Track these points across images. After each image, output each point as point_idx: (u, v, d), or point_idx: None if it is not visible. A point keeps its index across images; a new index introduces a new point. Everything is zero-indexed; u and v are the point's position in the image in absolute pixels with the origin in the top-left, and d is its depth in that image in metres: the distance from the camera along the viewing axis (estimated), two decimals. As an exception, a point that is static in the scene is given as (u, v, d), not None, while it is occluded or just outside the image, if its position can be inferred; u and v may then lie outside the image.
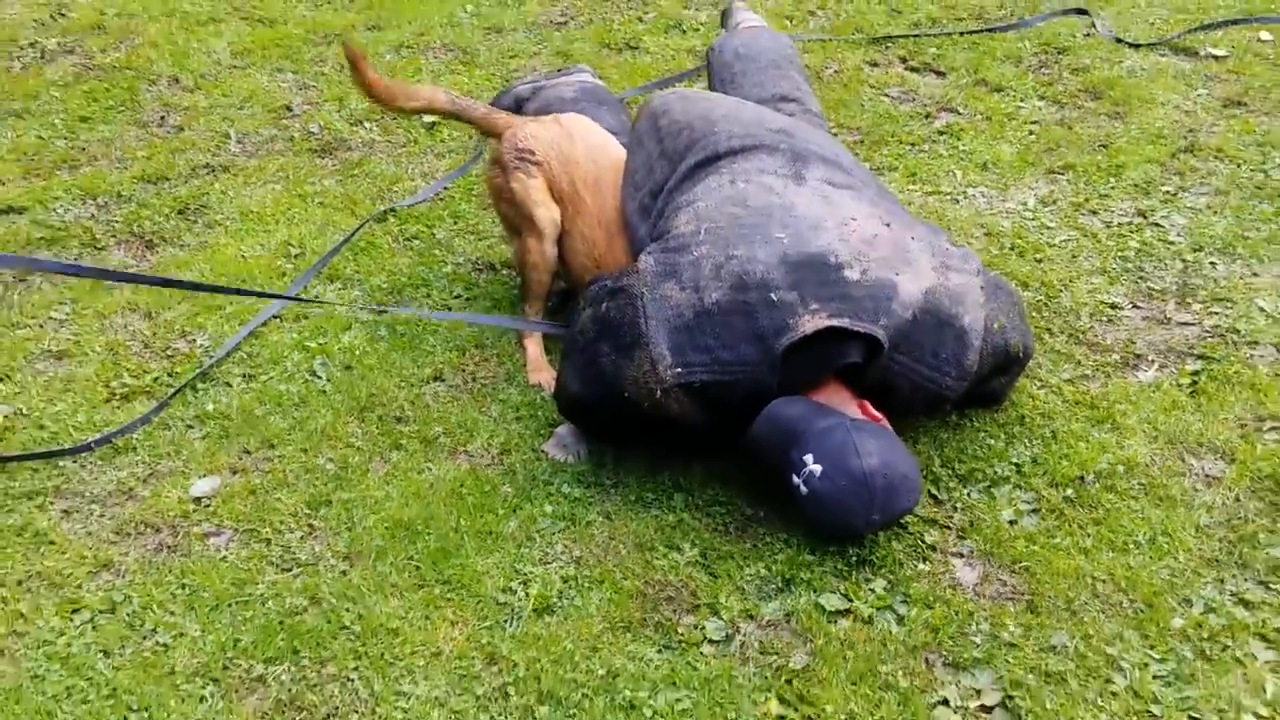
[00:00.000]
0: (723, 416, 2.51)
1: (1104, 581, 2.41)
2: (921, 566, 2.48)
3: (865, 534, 2.48)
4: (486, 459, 2.81)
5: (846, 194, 2.67)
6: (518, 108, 3.85)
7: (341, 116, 4.28)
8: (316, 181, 3.91)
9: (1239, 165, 3.67)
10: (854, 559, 2.50)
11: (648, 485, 2.71)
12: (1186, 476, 2.64)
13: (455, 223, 3.67)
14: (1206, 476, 2.64)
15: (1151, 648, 2.28)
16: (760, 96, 3.41)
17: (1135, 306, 3.16)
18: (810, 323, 2.41)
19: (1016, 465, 2.69)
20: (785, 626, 2.38)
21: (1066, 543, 2.50)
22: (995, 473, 2.68)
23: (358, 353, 3.13)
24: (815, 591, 2.43)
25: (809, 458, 2.35)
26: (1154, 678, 2.23)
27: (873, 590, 2.43)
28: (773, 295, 2.45)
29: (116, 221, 3.71)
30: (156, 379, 3.07)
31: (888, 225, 2.58)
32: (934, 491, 2.65)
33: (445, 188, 3.82)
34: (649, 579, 2.48)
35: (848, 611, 2.39)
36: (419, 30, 4.89)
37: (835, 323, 2.40)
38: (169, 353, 3.16)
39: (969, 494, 2.64)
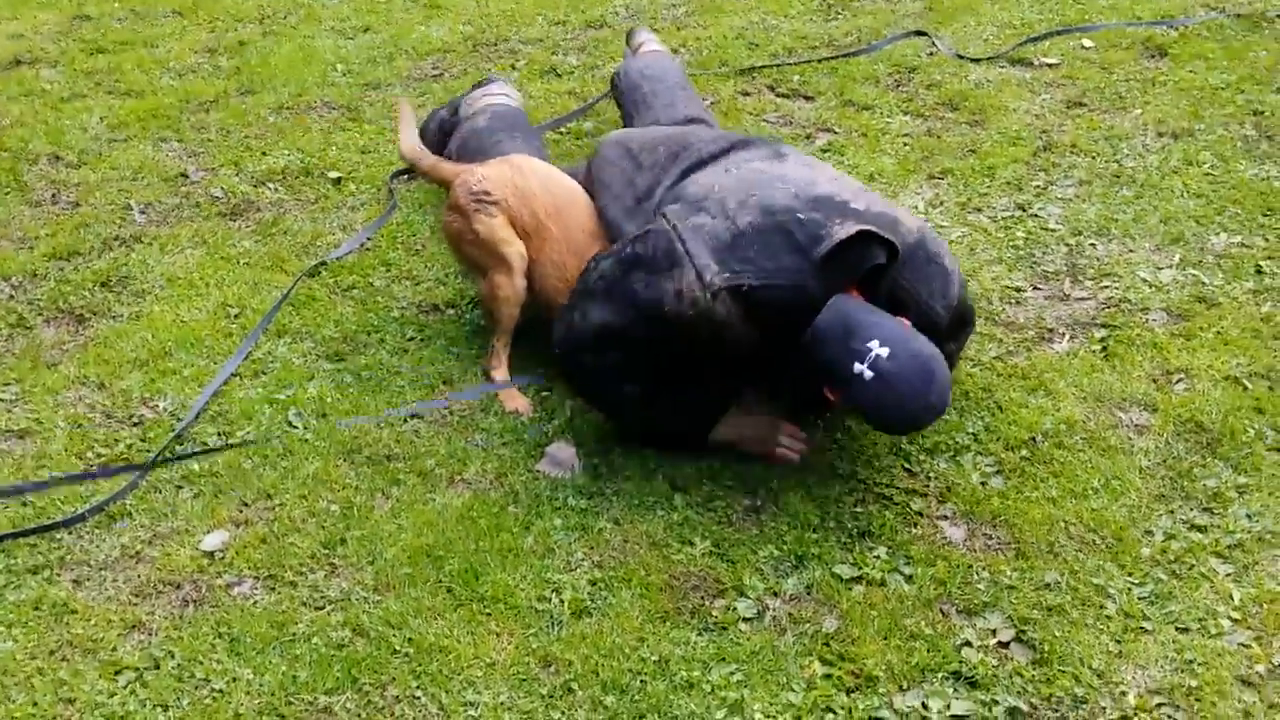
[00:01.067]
0: (763, 330, 2.70)
1: (1075, 524, 2.71)
2: (914, 531, 2.73)
3: (923, 420, 2.62)
4: (485, 484, 2.92)
5: (824, 165, 3.07)
6: (442, 130, 4.01)
7: (242, 179, 4.31)
8: (236, 243, 3.93)
9: (1094, 158, 4.10)
10: (854, 531, 2.73)
11: (646, 490, 2.88)
12: (1119, 428, 2.98)
13: (388, 270, 3.77)
14: (1136, 426, 2.99)
15: (1130, 575, 2.59)
16: (673, 118, 3.67)
17: (1035, 288, 3.52)
18: (843, 229, 2.64)
19: (973, 434, 2.98)
20: (809, 598, 2.59)
21: (1034, 495, 2.80)
22: (957, 443, 2.96)
23: (329, 400, 3.20)
24: (827, 564, 2.65)
25: (874, 343, 2.52)
26: (1139, 599, 2.53)
27: (878, 557, 2.66)
28: (800, 216, 2.70)
29: (40, 300, 3.66)
30: (130, 445, 3.07)
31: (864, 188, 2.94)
32: (908, 465, 2.92)
33: (369, 237, 3.91)
34: (672, 572, 2.65)
35: (860, 578, 2.62)
36: (295, 91, 4.95)
37: (865, 227, 2.64)
38: (135, 420, 3.16)
39: (938, 464, 2.91)
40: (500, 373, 3.26)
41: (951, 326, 2.92)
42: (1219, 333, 3.25)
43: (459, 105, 4.12)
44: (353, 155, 4.44)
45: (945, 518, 2.78)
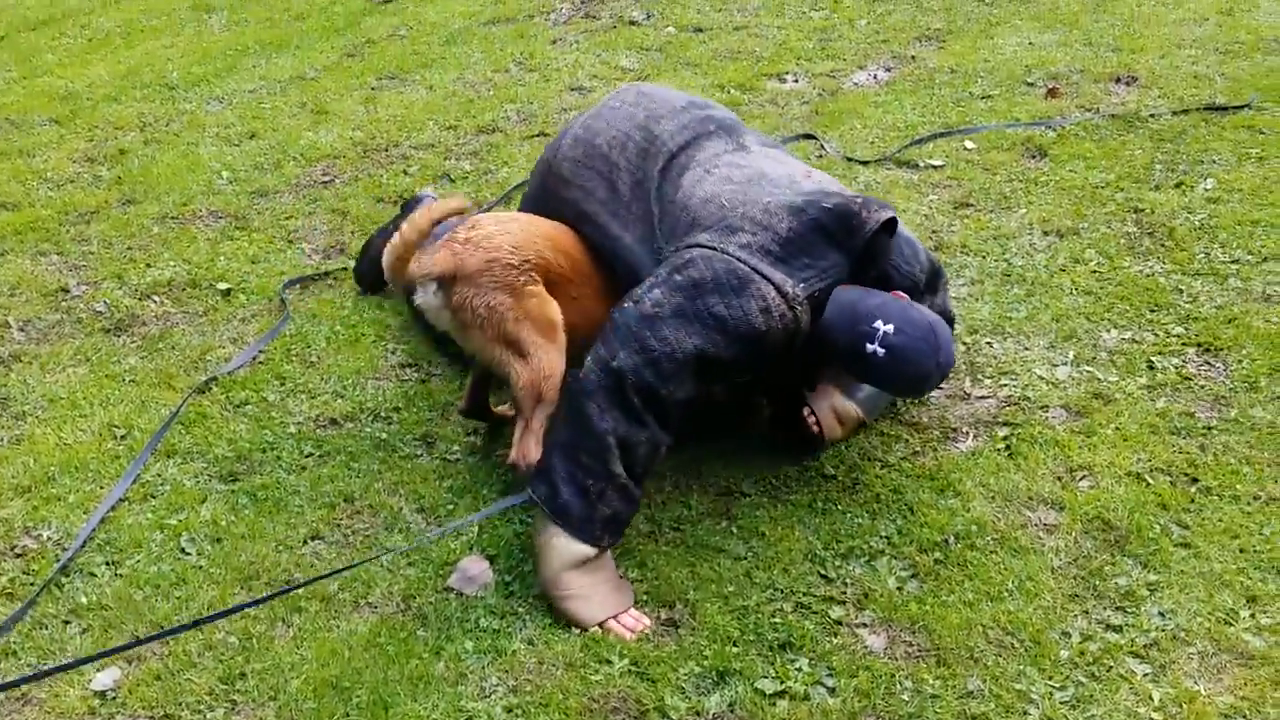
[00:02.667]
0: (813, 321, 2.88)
1: (992, 628, 2.70)
2: (835, 640, 2.69)
3: (935, 380, 2.85)
4: (392, 607, 2.81)
5: (777, 151, 3.25)
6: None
7: (126, 292, 4.17)
8: (120, 360, 3.79)
9: (984, 257, 4.20)
10: (775, 643, 2.68)
11: (560, 608, 2.79)
12: (1029, 528, 3.00)
13: (283, 384, 3.66)
14: (1045, 525, 3.01)
15: (1050, 679, 2.58)
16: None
17: (939, 388, 3.55)
18: (874, 217, 2.90)
19: (886, 538, 2.97)
20: (731, 716, 2.52)
21: (951, 599, 2.78)
22: (871, 547, 2.95)
23: (223, 524, 3.07)
24: (749, 679, 2.59)
25: (879, 323, 2.78)
26: (1060, 704, 2.52)
27: (800, 669, 2.62)
28: (825, 204, 2.90)
29: (-90, 424, 3.47)
30: (13, 579, 2.89)
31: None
32: (824, 571, 2.88)
33: (262, 350, 3.80)
34: (590, 694, 2.56)
35: (783, 693, 2.56)
36: (180, 200, 4.84)
37: (890, 214, 2.92)
38: (18, 551, 2.99)
39: (854, 569, 2.89)
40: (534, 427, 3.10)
41: (930, 282, 3.17)
42: (1118, 429, 3.31)
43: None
44: (242, 265, 4.33)
45: (865, 625, 2.75)
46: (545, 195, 3.35)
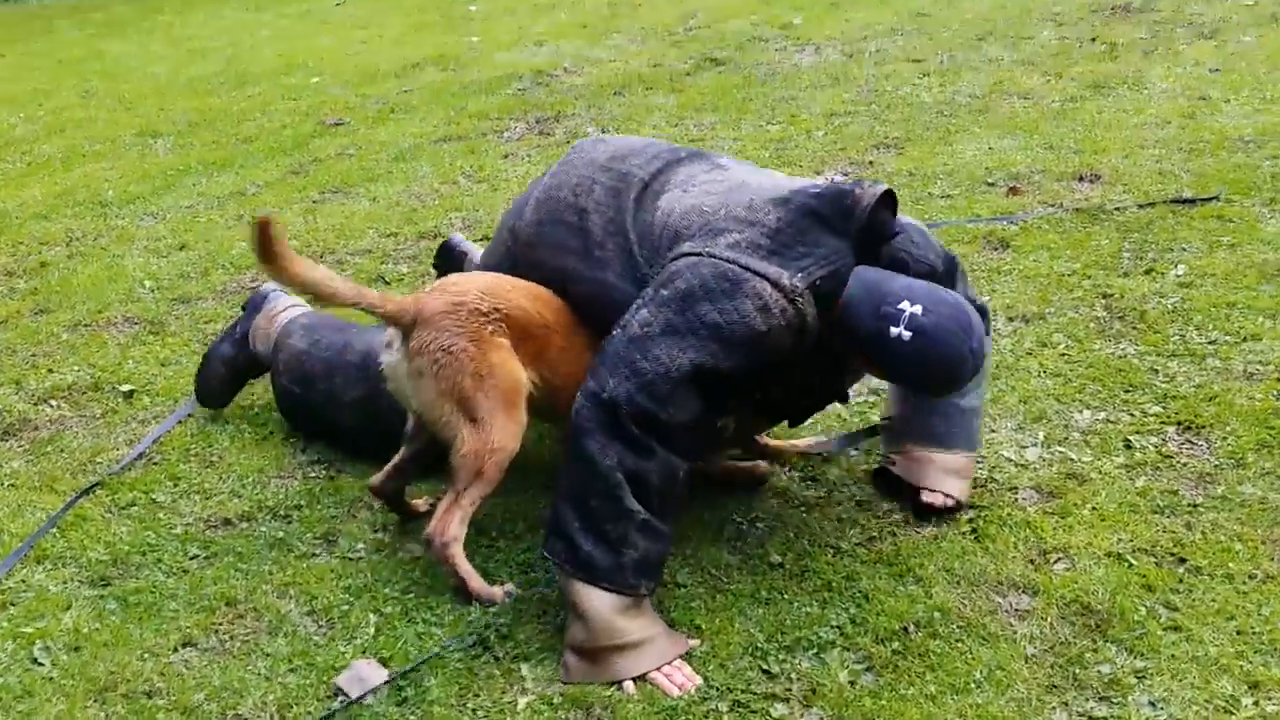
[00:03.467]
0: (826, 319, 2.60)
1: (958, 724, 2.33)
2: (777, 743, 2.32)
3: (968, 369, 2.56)
4: (265, 718, 2.43)
5: (756, 166, 3.00)
6: (235, 370, 3.61)
7: (21, 397, 3.87)
8: (3, 465, 3.45)
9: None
10: (706, 748, 2.30)
11: (462, 716, 2.41)
12: (999, 614, 2.64)
13: (175, 484, 3.33)
14: (1017, 611, 2.65)
15: (1026, 778, 2.20)
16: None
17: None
18: (867, 193, 2.63)
19: (838, 628, 2.62)
20: (652, 832, 2.13)
21: (911, 692, 2.42)
22: (820, 638, 2.59)
23: (85, 631, 2.71)
24: (674, 789, 2.20)
25: (905, 304, 2.51)
26: (1039, 807, 2.14)
27: (734, 777, 2.23)
28: (812, 191, 2.67)
29: None
30: None
31: None
32: (765, 666, 2.52)
33: (158, 450, 3.46)
34: (487, 812, 2.17)
35: (714, 804, 2.18)
36: (95, 308, 4.57)
37: (887, 186, 2.66)
38: None
39: (800, 663, 2.53)
40: (460, 550, 2.76)
41: (948, 271, 2.87)
42: (1094, 509, 2.98)
43: (241, 337, 3.64)
44: (151, 368, 4.03)
45: (811, 725, 2.37)
46: (513, 264, 3.03)
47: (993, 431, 3.38)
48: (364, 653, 2.61)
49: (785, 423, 3.18)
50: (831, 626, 2.62)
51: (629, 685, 2.49)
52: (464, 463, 2.72)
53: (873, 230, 2.66)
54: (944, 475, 3.00)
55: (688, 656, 2.55)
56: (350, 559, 2.96)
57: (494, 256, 3.16)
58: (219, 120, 7.26)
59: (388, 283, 4.68)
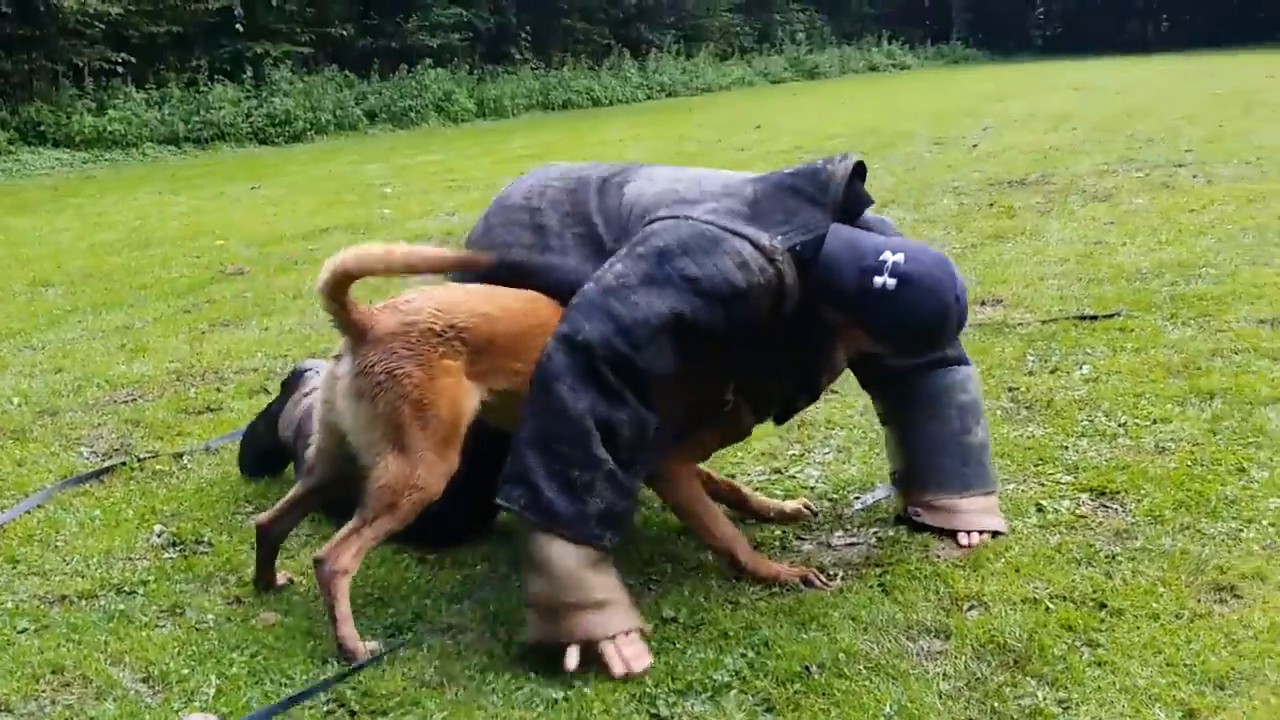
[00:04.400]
0: (806, 284, 2.57)
1: (868, 756, 2.08)
2: (664, 782, 2.04)
3: (953, 316, 2.54)
4: (78, 779, 2.10)
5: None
6: (264, 455, 3.48)
7: None
8: None
9: (850, 429, 3.77)
10: (582, 786, 2.02)
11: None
12: (909, 657, 2.42)
13: (14, 567, 3.02)
14: (929, 653, 2.43)
15: (944, 805, 1.94)
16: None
17: (799, 538, 3.03)
18: (840, 166, 2.64)
19: (734, 671, 2.37)
20: None
21: (815, 727, 2.16)
22: (715, 681, 2.34)
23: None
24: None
25: (886, 254, 2.50)
26: (959, 831, 1.88)
27: (614, 814, 1.95)
28: (786, 171, 2.69)
29: None
30: None
31: None
32: (654, 710, 2.25)
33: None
34: None
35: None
36: (-45, 423, 4.27)
37: (859, 157, 2.68)
38: None
39: (693, 706, 2.27)
40: (346, 586, 2.51)
41: None
42: (1008, 561, 2.80)
43: (273, 419, 3.47)
44: (6, 468, 3.73)
45: (703, 765, 2.10)
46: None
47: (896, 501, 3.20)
48: (203, 709, 2.30)
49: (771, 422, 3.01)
50: (728, 671, 2.37)
51: (572, 655, 2.36)
52: (380, 494, 2.50)
53: (849, 200, 2.66)
54: (975, 515, 2.94)
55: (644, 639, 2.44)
56: (197, 629, 2.66)
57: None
58: (116, 273, 7.07)
59: (269, 393, 4.45)
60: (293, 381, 3.56)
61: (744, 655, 2.42)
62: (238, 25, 18.26)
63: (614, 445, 2.40)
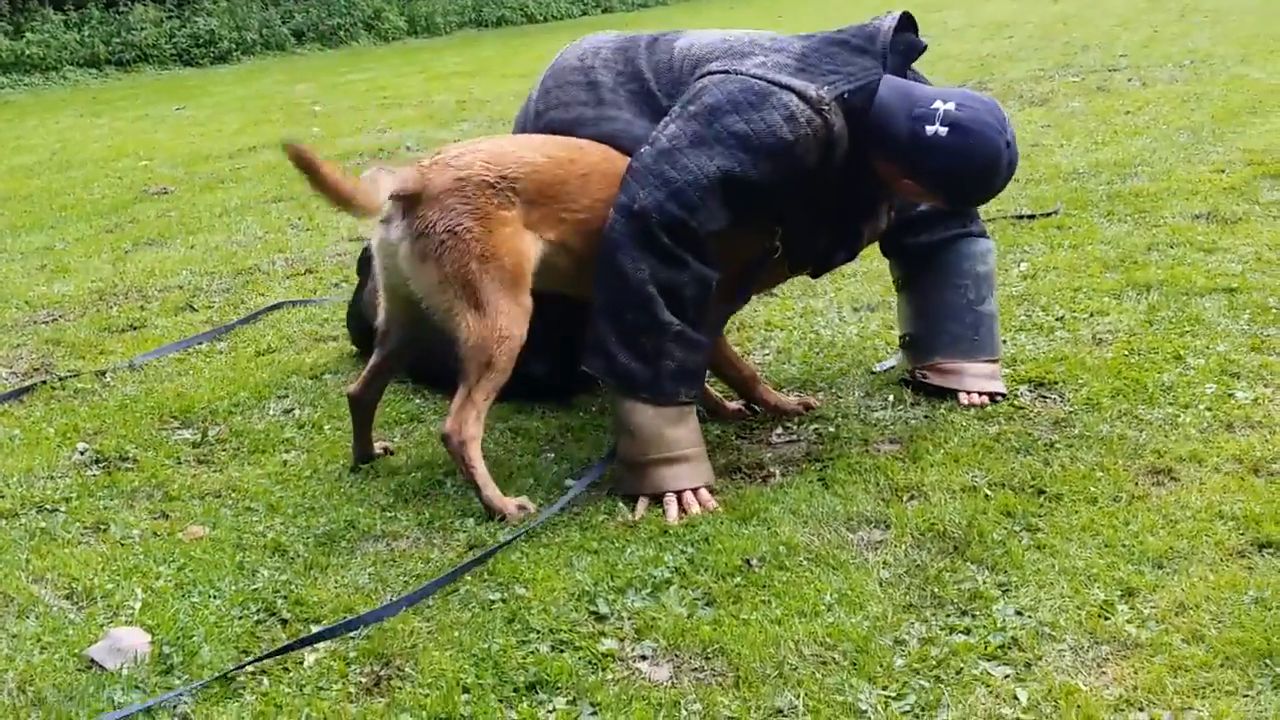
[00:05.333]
0: (853, 143, 2.63)
1: (806, 643, 2.06)
2: (602, 675, 2.01)
3: (1004, 166, 2.58)
4: (3, 696, 2.03)
5: None
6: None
7: None
8: None
9: (790, 330, 3.74)
10: (521, 684, 1.99)
11: (237, 675, 2.06)
12: (850, 547, 2.40)
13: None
14: (870, 543, 2.41)
15: (884, 688, 1.94)
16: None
17: (740, 437, 3.00)
18: (888, 19, 2.69)
19: (675, 568, 2.34)
20: (453, 769, 1.79)
21: (755, 617, 2.14)
22: (655, 577, 2.30)
23: None
24: (482, 725, 1.88)
25: (938, 102, 2.56)
26: (900, 714, 1.88)
27: (552, 710, 1.93)
28: (835, 30, 2.73)
29: None
30: None
31: None
32: (593, 608, 2.22)
33: (-86, 460, 3.05)
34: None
35: (529, 736, 1.86)
36: None
37: (902, 10, 2.73)
38: None
39: (632, 602, 2.23)
40: (478, 451, 2.60)
41: None
42: (947, 452, 2.78)
43: (364, 307, 3.46)
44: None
45: (644, 657, 2.07)
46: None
47: (840, 398, 3.18)
48: (129, 622, 2.23)
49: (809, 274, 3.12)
50: (668, 568, 2.34)
51: (641, 506, 2.56)
52: (473, 353, 2.56)
53: (901, 48, 2.72)
54: (978, 379, 3.05)
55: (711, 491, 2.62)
56: (122, 544, 2.59)
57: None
58: (35, 195, 6.84)
59: (195, 309, 4.33)
60: (367, 261, 3.46)
61: (684, 552, 2.39)
62: (157, -58, 17.62)
63: (679, 306, 2.54)
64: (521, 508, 2.57)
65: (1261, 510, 2.40)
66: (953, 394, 3.06)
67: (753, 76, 2.59)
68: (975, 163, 2.57)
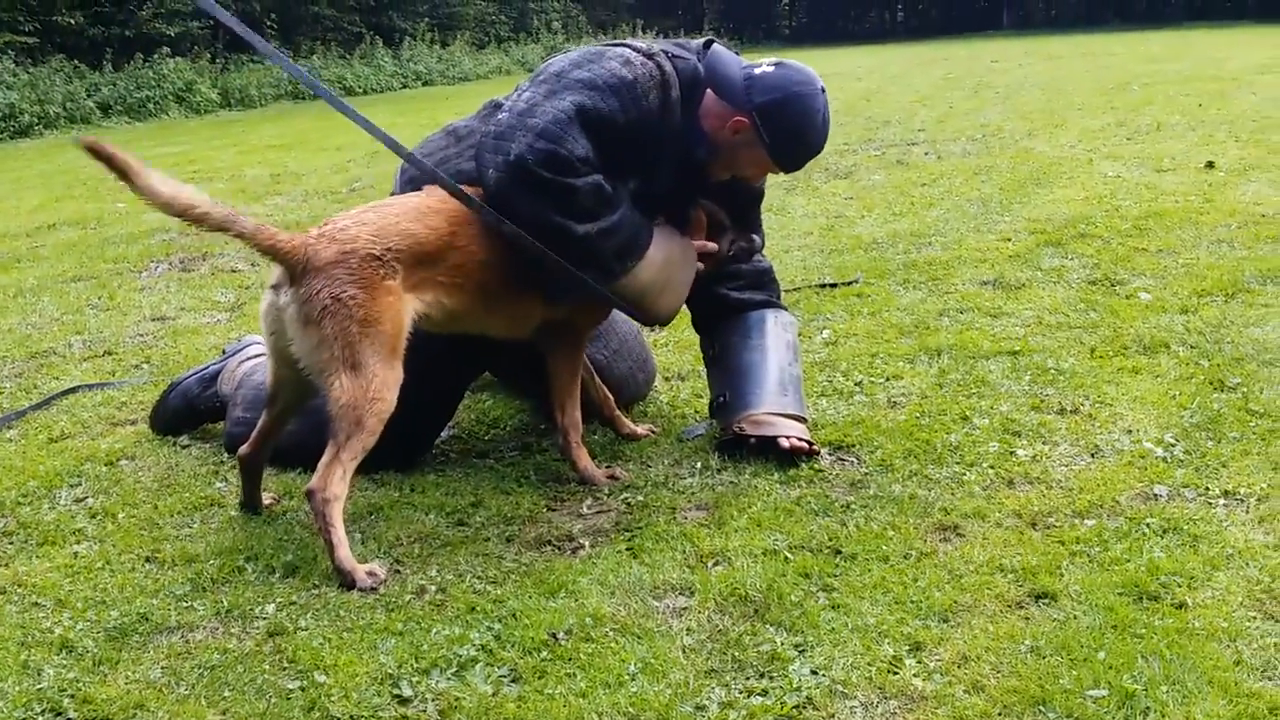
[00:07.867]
0: (687, 89, 3.05)
1: (610, 715, 2.09)
2: (404, 758, 1.99)
3: (823, 103, 3.07)
4: None
5: None
6: (192, 407, 3.56)
7: None
8: None
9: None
10: (318, 772, 1.94)
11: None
12: (655, 615, 2.43)
13: None
14: (674, 610, 2.46)
15: (684, 754, 1.96)
16: None
17: (550, 509, 3.02)
18: (695, 41, 3.21)
19: (481, 645, 2.33)
20: None
21: (559, 691, 2.16)
22: (461, 656, 2.29)
23: None
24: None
25: (758, 69, 3.06)
26: (699, 778, 1.90)
27: (351, 797, 1.89)
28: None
29: None
30: None
31: None
32: (396, 691, 2.19)
33: None
34: None
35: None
36: None
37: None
38: None
39: (437, 683, 2.22)
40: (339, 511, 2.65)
41: None
42: (751, 517, 2.86)
43: (211, 377, 3.59)
44: None
45: (446, 739, 2.06)
46: None
47: (648, 468, 3.23)
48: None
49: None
50: (474, 645, 2.33)
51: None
52: (344, 413, 2.65)
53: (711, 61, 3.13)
54: (793, 428, 3.21)
55: None
56: None
57: None
58: None
59: (-12, 396, 4.15)
60: (235, 349, 3.70)
61: (490, 628, 2.39)
62: (-49, 15, 16.97)
63: (586, 214, 2.88)
64: (372, 574, 2.58)
65: (1038, 562, 2.54)
66: (771, 442, 3.16)
67: (589, 59, 2.97)
68: (799, 92, 3.02)
